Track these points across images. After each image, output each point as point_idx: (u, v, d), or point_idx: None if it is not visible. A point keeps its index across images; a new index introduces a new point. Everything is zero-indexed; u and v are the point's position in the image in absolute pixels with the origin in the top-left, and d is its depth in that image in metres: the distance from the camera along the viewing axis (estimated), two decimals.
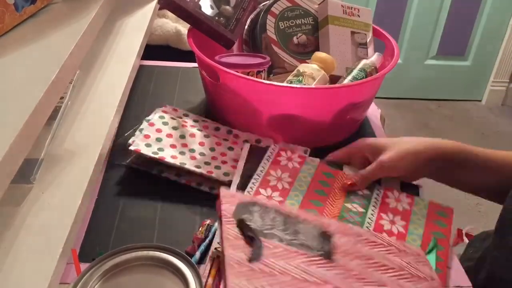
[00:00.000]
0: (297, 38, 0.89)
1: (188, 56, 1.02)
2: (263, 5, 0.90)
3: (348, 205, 0.64)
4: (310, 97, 0.75)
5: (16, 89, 0.45)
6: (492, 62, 2.60)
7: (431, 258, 0.58)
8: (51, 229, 0.46)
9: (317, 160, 0.71)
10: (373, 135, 0.86)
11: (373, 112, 0.94)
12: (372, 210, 0.64)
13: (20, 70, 0.48)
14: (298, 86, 0.77)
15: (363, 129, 0.88)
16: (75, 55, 0.53)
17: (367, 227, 0.61)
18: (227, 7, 0.85)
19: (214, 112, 0.87)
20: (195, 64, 1.02)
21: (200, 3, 0.82)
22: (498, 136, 2.37)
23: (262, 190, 0.64)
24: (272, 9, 0.88)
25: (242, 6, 0.87)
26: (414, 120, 2.48)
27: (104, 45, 0.75)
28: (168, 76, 1.02)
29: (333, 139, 0.82)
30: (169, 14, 1.47)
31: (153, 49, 1.27)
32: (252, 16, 0.91)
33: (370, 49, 0.91)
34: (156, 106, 0.79)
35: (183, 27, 1.42)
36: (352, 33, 0.90)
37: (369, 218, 0.63)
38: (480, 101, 2.71)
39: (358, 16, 0.91)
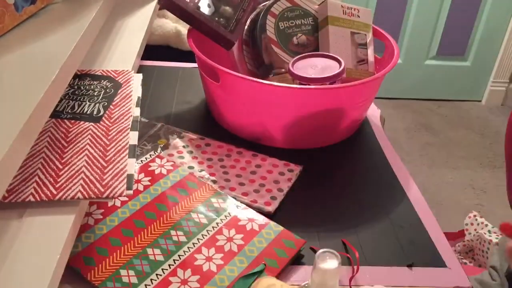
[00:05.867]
0: (297, 38, 0.89)
1: (188, 56, 1.02)
2: (263, 5, 0.90)
3: (193, 215, 0.61)
4: (310, 97, 0.75)
5: (16, 89, 0.45)
6: (492, 62, 2.60)
7: (245, 282, 0.52)
8: (51, 229, 0.46)
9: (188, 170, 0.69)
10: (373, 135, 0.86)
11: (373, 112, 0.94)
12: (216, 223, 0.60)
13: (20, 70, 0.48)
14: (298, 86, 0.77)
15: (363, 129, 0.88)
16: (75, 55, 0.53)
17: (203, 235, 0.58)
18: (227, 7, 0.85)
19: (214, 112, 0.87)
20: (195, 64, 1.02)
21: (200, 3, 0.82)
22: (498, 136, 2.37)
23: None
24: (272, 9, 0.88)
25: (242, 6, 0.87)
26: (414, 120, 2.48)
27: (104, 45, 0.75)
28: (168, 76, 1.02)
29: (333, 139, 0.82)
30: (169, 14, 1.47)
31: (153, 49, 1.27)
32: (252, 16, 0.91)
33: (370, 49, 0.91)
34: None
35: (183, 27, 1.42)
36: (352, 33, 0.90)
37: (208, 230, 0.59)
38: (480, 101, 2.71)
39: (358, 16, 0.91)
